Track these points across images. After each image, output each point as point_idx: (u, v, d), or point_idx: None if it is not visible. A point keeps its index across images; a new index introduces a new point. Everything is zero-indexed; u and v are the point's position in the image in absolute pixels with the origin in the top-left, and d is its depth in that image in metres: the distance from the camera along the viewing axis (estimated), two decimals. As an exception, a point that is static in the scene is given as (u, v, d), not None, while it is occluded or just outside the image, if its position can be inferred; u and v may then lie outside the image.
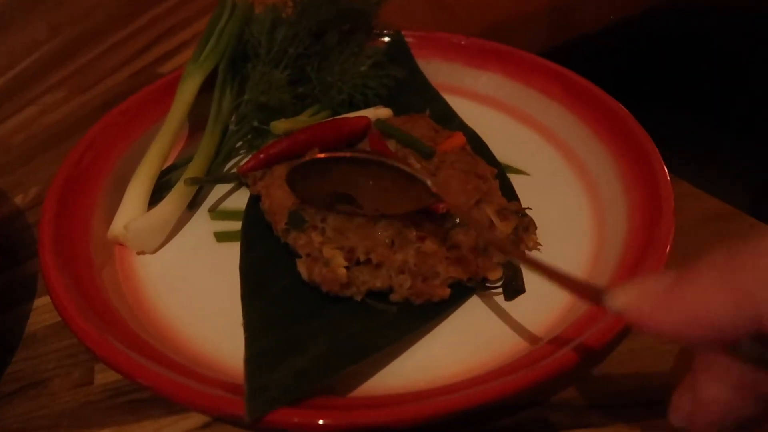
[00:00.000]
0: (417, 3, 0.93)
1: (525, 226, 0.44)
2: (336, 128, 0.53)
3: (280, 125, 0.55)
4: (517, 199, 0.49)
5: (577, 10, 0.94)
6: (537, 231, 0.45)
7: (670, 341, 0.32)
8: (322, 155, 0.42)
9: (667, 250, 0.40)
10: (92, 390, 0.41)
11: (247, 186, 0.50)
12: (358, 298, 0.41)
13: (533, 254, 0.45)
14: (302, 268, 0.42)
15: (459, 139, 0.52)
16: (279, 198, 0.46)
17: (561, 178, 0.52)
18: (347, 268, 0.41)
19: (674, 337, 0.25)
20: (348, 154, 0.42)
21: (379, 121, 0.54)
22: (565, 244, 0.46)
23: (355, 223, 0.43)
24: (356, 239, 0.42)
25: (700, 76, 0.76)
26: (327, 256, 0.41)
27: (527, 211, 0.45)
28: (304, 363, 0.36)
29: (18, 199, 0.59)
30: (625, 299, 0.26)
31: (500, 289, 0.43)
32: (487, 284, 0.43)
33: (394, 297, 0.41)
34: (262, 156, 0.51)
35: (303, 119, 0.58)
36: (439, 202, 0.41)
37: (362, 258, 0.41)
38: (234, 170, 0.55)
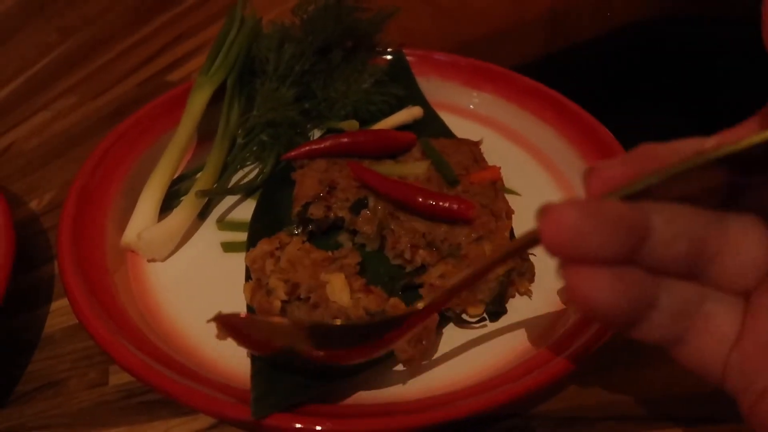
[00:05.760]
0: (419, 9, 0.95)
1: (521, 271, 0.45)
2: (381, 139, 0.55)
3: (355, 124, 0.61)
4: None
5: (575, 18, 0.95)
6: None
7: None
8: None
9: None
10: (106, 390, 0.43)
11: (294, 168, 0.55)
12: None
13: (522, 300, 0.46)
14: (246, 290, 0.43)
15: (492, 173, 0.52)
16: (306, 187, 0.50)
17: (551, 200, 0.54)
18: (286, 302, 0.41)
19: None
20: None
21: (423, 139, 0.56)
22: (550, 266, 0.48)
23: (310, 258, 0.44)
24: (304, 276, 0.42)
25: (697, 83, 0.74)
26: (271, 286, 0.42)
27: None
28: (305, 371, 0.38)
29: (33, 204, 0.61)
30: None
31: (479, 321, 0.44)
32: (463, 316, 0.44)
33: None
34: (306, 149, 0.54)
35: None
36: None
37: (303, 295, 0.42)
38: (242, 182, 0.58)
